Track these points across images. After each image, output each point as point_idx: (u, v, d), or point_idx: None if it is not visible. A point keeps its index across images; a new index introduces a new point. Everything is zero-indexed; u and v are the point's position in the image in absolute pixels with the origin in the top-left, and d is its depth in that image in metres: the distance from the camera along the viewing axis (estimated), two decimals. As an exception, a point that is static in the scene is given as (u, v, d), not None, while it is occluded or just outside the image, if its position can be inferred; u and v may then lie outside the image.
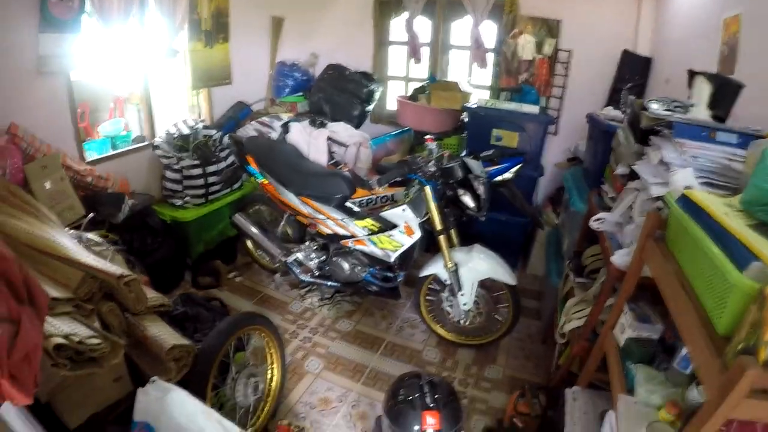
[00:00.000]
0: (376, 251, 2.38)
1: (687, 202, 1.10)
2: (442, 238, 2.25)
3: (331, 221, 2.44)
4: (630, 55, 3.22)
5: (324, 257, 2.58)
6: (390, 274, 2.46)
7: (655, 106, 1.64)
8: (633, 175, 1.63)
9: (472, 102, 3.31)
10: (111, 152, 2.79)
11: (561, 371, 1.95)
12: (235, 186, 3.06)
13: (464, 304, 2.33)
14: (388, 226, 2.31)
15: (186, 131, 2.79)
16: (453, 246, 2.37)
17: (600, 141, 2.30)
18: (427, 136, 2.80)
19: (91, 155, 2.63)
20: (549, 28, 3.43)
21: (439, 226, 2.23)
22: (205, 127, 2.93)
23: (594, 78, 3.41)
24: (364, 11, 3.94)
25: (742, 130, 1.32)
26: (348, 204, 2.42)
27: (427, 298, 2.57)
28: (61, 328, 1.16)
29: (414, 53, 3.91)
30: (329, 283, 2.60)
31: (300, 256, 2.60)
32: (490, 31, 3.66)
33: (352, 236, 2.41)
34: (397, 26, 3.99)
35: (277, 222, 2.82)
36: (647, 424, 1.12)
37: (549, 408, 1.89)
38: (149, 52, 2.70)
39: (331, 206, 2.42)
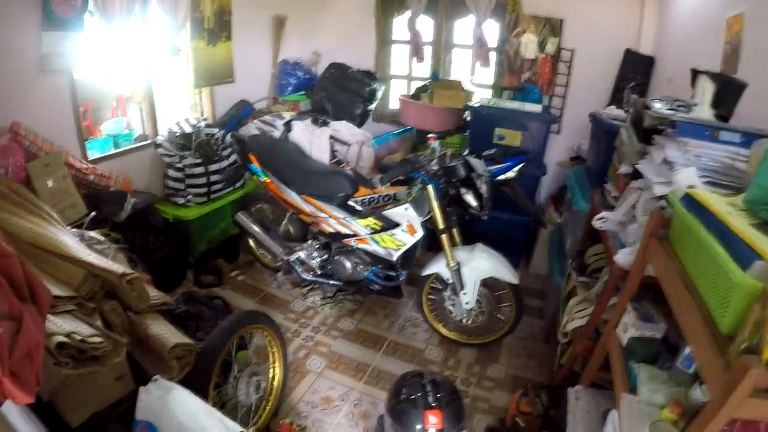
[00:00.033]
0: (378, 250, 2.38)
1: (690, 201, 1.09)
2: (444, 237, 2.25)
3: (333, 220, 2.44)
4: (633, 54, 3.21)
5: (326, 256, 2.59)
6: (392, 273, 2.46)
7: (658, 105, 1.63)
8: (636, 174, 1.62)
9: (475, 101, 3.31)
10: (113, 151, 2.79)
11: (563, 370, 1.95)
12: (238, 185, 3.07)
13: (466, 303, 2.33)
14: (390, 224, 2.31)
15: (188, 130, 2.80)
16: (455, 245, 2.36)
17: (603, 140, 2.29)
18: (430, 135, 2.81)
19: (93, 154, 2.63)
20: (552, 27, 3.42)
21: (441, 225, 2.23)
22: (208, 126, 2.93)
23: (597, 77, 3.39)
24: (367, 10, 3.93)
25: (745, 129, 1.31)
26: (350, 203, 2.42)
27: (430, 297, 2.56)
28: (63, 326, 1.17)
29: (416, 52, 3.90)
30: (331, 281, 2.60)
31: (302, 254, 2.61)
32: (492, 30, 3.65)
33: (355, 235, 2.41)
34: (399, 25, 3.98)
35: (279, 220, 2.83)
36: (650, 424, 1.11)
37: (551, 407, 1.88)
38: (152, 50, 2.70)
39: (333, 205, 2.43)
